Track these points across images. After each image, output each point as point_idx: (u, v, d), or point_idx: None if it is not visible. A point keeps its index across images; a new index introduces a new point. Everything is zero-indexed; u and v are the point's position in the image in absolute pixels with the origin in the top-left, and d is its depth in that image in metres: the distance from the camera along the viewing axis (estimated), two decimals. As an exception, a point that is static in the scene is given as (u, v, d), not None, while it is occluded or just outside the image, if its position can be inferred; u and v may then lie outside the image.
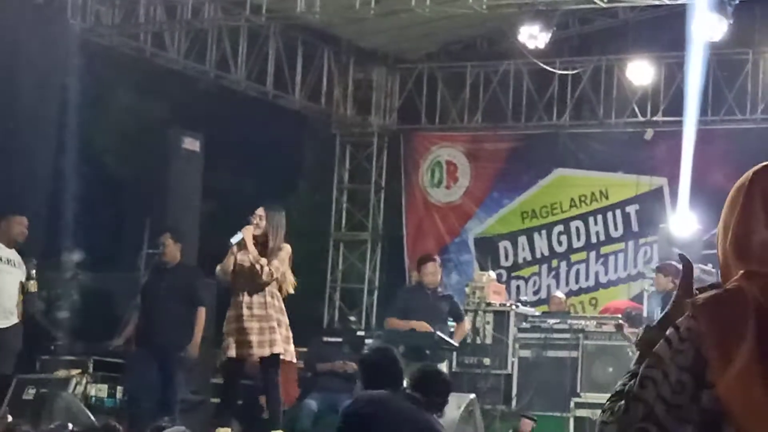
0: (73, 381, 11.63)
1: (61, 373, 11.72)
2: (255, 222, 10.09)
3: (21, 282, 11.18)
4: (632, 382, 2.37)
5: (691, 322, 2.34)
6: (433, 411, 7.49)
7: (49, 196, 13.26)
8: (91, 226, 13.47)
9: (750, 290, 2.35)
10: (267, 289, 10.08)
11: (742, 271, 2.39)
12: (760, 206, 2.41)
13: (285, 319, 10.21)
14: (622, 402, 2.37)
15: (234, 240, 10.04)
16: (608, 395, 2.44)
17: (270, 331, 10.00)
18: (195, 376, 12.17)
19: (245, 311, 10.01)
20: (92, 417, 10.04)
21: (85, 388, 11.73)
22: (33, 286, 11.53)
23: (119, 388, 11.66)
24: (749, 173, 2.44)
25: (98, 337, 12.66)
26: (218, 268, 10.25)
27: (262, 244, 10.05)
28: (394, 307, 12.86)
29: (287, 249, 10.21)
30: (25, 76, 13.44)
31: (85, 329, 12.81)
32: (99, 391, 11.84)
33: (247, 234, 10.01)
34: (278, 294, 10.21)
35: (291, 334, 10.26)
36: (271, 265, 9.97)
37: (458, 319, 12.72)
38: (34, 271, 11.52)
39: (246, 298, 10.01)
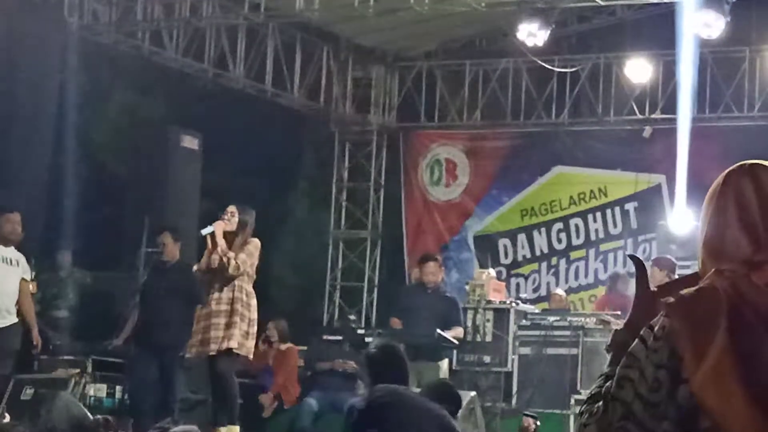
0: (72, 381, 11.60)
1: (60, 373, 11.69)
2: (226, 218, 10.24)
3: (23, 280, 11.13)
4: (608, 383, 2.42)
5: (664, 321, 2.38)
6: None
7: (47, 195, 13.23)
8: (89, 225, 13.44)
9: (722, 287, 2.40)
10: (236, 283, 10.16)
11: (714, 269, 2.44)
12: (733, 205, 2.47)
13: (250, 315, 10.28)
14: (600, 403, 2.41)
15: (205, 231, 10.21)
16: None
17: (231, 326, 10.06)
18: (195, 375, 12.13)
19: (214, 307, 10.11)
20: (91, 417, 9.99)
21: (84, 387, 11.70)
22: (33, 287, 11.51)
23: (118, 388, 11.63)
24: (724, 173, 2.50)
25: (97, 337, 12.63)
26: (195, 267, 10.39)
27: (231, 241, 10.17)
28: (395, 307, 12.89)
29: (256, 243, 10.38)
30: (22, 74, 13.41)
31: (84, 329, 12.79)
32: (98, 390, 11.81)
33: (218, 229, 10.19)
34: (249, 289, 10.28)
35: (254, 331, 10.35)
36: (238, 259, 10.08)
37: (456, 323, 12.74)
38: (32, 272, 11.48)
39: (215, 294, 10.12)
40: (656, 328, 2.39)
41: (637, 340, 2.41)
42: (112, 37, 14.76)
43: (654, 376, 2.36)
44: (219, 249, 10.12)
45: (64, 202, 12.87)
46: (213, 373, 10.29)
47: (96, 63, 14.31)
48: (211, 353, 10.13)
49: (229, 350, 10.11)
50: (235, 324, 10.11)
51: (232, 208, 10.42)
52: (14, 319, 11.08)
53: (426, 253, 14.31)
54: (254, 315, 10.34)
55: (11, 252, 11.17)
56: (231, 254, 10.13)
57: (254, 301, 10.37)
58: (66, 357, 12.09)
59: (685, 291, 2.43)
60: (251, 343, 10.34)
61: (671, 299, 2.43)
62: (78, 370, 11.79)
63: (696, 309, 2.39)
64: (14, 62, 13.19)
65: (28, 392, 10.71)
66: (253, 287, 10.38)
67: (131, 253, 12.93)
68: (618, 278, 14.28)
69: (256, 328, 10.42)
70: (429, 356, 12.32)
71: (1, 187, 12.58)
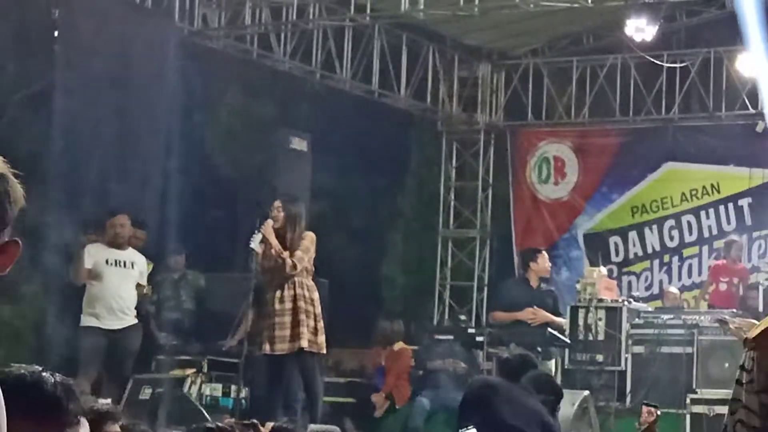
0: (188, 381, 11.75)
1: (177, 373, 11.85)
2: (273, 215, 10.19)
3: (138, 283, 11.33)
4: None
5: (751, 354, 2.45)
6: (546, 409, 7.48)
7: (160, 198, 13.40)
8: (202, 227, 13.60)
9: None
10: (296, 279, 10.12)
11: None
12: None
13: (315, 310, 10.24)
14: None
15: (253, 244, 10.13)
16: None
17: (299, 324, 10.04)
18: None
19: (277, 306, 10.09)
20: (208, 416, 10.11)
21: (200, 387, 11.84)
22: (147, 288, 11.70)
23: (233, 388, 11.74)
24: None
25: (212, 337, 12.77)
26: (253, 268, 10.38)
27: (281, 237, 10.13)
28: (500, 301, 12.83)
29: (311, 236, 10.29)
30: (135, 79, 13.60)
31: (199, 329, 12.94)
32: (214, 390, 11.94)
33: (267, 230, 10.11)
34: (309, 284, 10.25)
35: (321, 325, 10.28)
36: (294, 257, 10.03)
37: (561, 316, 12.69)
38: (146, 273, 11.67)
39: (277, 293, 10.10)
40: (745, 363, 2.45)
41: (735, 383, 2.49)
42: (221, 41, 14.92)
43: (759, 403, 2.39)
44: (273, 250, 10.07)
45: (178, 205, 13.03)
46: (279, 372, 10.26)
47: (206, 67, 14.47)
48: (281, 353, 10.13)
49: (301, 349, 10.10)
50: (301, 322, 10.10)
51: (277, 203, 10.36)
52: (132, 321, 11.27)
53: (531, 247, 14.25)
54: (318, 309, 10.30)
55: (126, 255, 11.33)
56: (285, 254, 10.07)
57: (316, 295, 10.33)
58: (182, 357, 12.24)
59: (762, 327, 2.48)
60: (322, 338, 10.32)
61: (750, 335, 2.49)
62: (194, 370, 11.93)
63: None
64: (126, 68, 13.38)
65: (146, 392, 10.86)
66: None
67: (244, 255, 13.04)
68: (732, 244, 14.07)
69: (323, 322, 10.37)
70: (538, 354, 12.25)
71: (115, 191, 12.77)
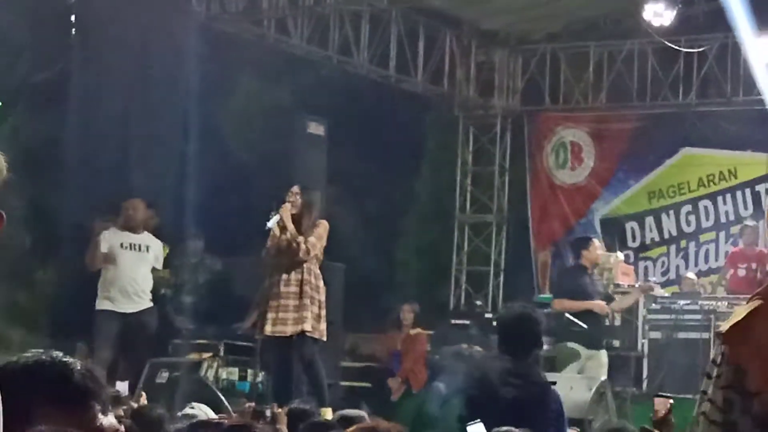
0: (205, 364, 11.79)
1: (193, 357, 11.88)
2: (291, 200, 10.24)
3: (154, 267, 11.36)
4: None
5: (721, 348, 2.46)
6: (527, 357, 7.18)
7: (177, 183, 13.43)
8: (218, 212, 13.62)
9: None
10: (305, 265, 10.18)
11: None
12: None
13: (320, 297, 10.32)
14: None
15: (271, 223, 10.20)
16: None
17: (302, 308, 10.09)
18: (324, 360, 12.21)
19: (282, 288, 10.14)
20: (225, 400, 10.14)
21: (217, 371, 11.88)
22: (164, 272, 11.72)
23: (250, 372, 11.77)
24: None
25: (228, 321, 12.80)
26: (264, 251, 10.41)
27: (296, 222, 10.18)
28: (562, 288, 12.59)
29: (325, 225, 10.36)
30: (152, 64, 13.61)
31: (216, 313, 12.96)
32: (230, 374, 11.99)
33: (284, 212, 10.18)
34: (317, 272, 10.32)
35: (324, 313, 10.35)
36: (308, 243, 10.08)
37: (608, 300, 12.62)
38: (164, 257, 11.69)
39: (284, 275, 10.15)
40: (715, 358, 2.46)
41: (704, 376, 2.51)
42: (238, 26, 14.91)
43: (723, 398, 2.40)
44: (288, 233, 10.14)
45: (194, 190, 13.04)
46: (282, 355, 10.30)
47: (223, 52, 14.48)
48: (282, 335, 10.17)
49: (303, 333, 10.15)
50: (305, 307, 10.16)
51: (295, 189, 10.43)
52: (147, 304, 11.30)
53: (582, 236, 14.03)
54: (323, 297, 10.38)
55: (141, 238, 11.34)
56: (301, 238, 10.14)
57: (322, 283, 10.40)
58: (199, 341, 12.27)
59: (733, 320, 2.46)
60: (323, 326, 10.38)
61: (721, 329, 2.50)
62: (211, 354, 11.97)
63: (752, 331, 2.41)
64: (143, 52, 13.39)
65: (163, 375, 10.90)
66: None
67: (259, 239, 13.06)
68: (746, 230, 14.02)
69: (325, 311, 10.43)
70: (589, 343, 12.16)
71: (132, 175, 12.79)
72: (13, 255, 11.33)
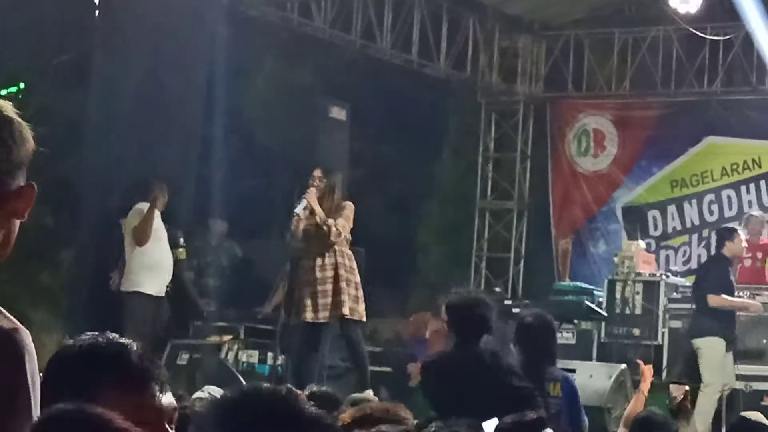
0: (225, 347, 11.80)
1: (213, 339, 11.90)
2: (315, 183, 10.23)
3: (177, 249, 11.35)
4: None
5: None
6: (477, 339, 7.22)
7: (199, 166, 13.44)
8: (240, 195, 13.63)
9: None
10: (336, 248, 10.17)
11: None
12: None
13: (355, 278, 10.33)
14: None
15: (299, 209, 10.18)
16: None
17: (340, 292, 10.09)
18: (344, 343, 12.22)
19: (318, 274, 10.13)
20: (244, 382, 10.15)
21: (237, 354, 11.90)
22: (182, 254, 11.69)
23: (270, 355, 11.78)
24: None
25: (249, 304, 12.82)
26: (288, 237, 10.40)
27: (321, 204, 10.18)
28: (715, 284, 12.00)
29: (351, 206, 10.38)
30: (173, 47, 13.60)
31: (236, 296, 12.98)
32: (250, 357, 12.00)
33: (311, 198, 10.18)
34: (348, 252, 10.32)
35: (361, 293, 10.32)
36: (338, 225, 10.08)
37: None
38: (182, 240, 11.66)
39: (318, 260, 10.14)
40: None
41: None
42: (261, 9, 14.88)
43: None
44: (318, 217, 10.14)
45: (216, 173, 13.05)
46: (317, 340, 10.30)
47: (246, 35, 14.47)
48: (324, 320, 10.18)
49: (343, 317, 10.16)
50: (342, 290, 10.16)
51: (318, 172, 10.41)
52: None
53: (728, 226, 13.63)
54: (358, 278, 10.40)
55: (160, 218, 11.27)
56: (330, 221, 10.14)
57: (355, 264, 10.40)
58: (219, 324, 12.29)
59: None
60: (362, 306, 10.41)
61: None
62: (231, 337, 11.99)
63: None
64: (166, 35, 13.38)
65: (183, 357, 10.93)
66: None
67: (281, 222, 13.07)
68: (750, 219, 13.91)
69: (362, 290, 10.43)
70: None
71: (154, 157, 12.78)
72: (35, 234, 11.34)
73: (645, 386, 8.75)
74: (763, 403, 11.58)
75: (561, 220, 17.14)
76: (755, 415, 7.64)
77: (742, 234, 12.21)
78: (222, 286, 13.00)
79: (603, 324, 13.62)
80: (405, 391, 13.07)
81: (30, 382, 2.12)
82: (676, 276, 14.24)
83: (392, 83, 15.88)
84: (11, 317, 2.17)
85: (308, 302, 10.24)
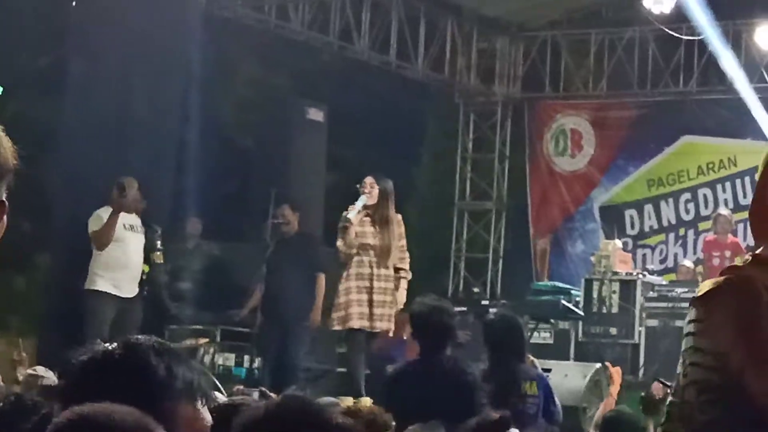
0: (201, 350, 11.79)
1: (189, 342, 11.87)
2: (366, 191, 10.15)
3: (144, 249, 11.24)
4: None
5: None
6: (440, 348, 7.16)
7: (174, 168, 13.44)
8: (216, 197, 13.62)
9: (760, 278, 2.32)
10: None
11: (750, 255, 2.37)
12: None
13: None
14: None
15: (352, 215, 10.09)
16: None
17: (389, 305, 10.09)
18: (320, 345, 12.25)
19: (375, 284, 10.06)
20: (220, 386, 10.15)
21: (213, 357, 11.89)
22: (159, 257, 11.60)
23: (246, 357, 11.79)
24: None
25: (225, 307, 12.81)
26: (340, 242, 10.27)
27: (375, 212, 10.11)
28: None
29: (399, 219, 10.30)
30: (152, 49, 13.60)
31: (212, 299, 12.97)
32: (226, 360, 12.00)
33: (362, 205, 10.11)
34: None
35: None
36: (406, 261, 10.20)
37: None
38: (159, 243, 11.56)
39: (375, 270, 10.06)
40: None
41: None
42: (237, 11, 14.89)
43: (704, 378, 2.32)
44: (392, 242, 10.08)
45: (193, 175, 13.04)
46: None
47: (223, 37, 14.47)
48: (381, 330, 10.17)
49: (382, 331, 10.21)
50: (391, 304, 10.18)
51: (370, 180, 10.27)
52: (137, 289, 11.16)
53: None
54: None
55: (136, 220, 11.17)
56: (403, 271, 10.17)
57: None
58: (195, 327, 12.27)
59: (713, 281, 2.37)
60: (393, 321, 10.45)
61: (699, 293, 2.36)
62: (207, 340, 11.99)
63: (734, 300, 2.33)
64: (144, 37, 13.38)
65: (158, 361, 10.88)
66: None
67: (258, 225, 13.08)
68: (718, 218, 13.97)
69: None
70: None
71: (129, 159, 12.78)
72: (11, 240, 11.34)
73: (614, 389, 8.79)
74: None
75: (539, 220, 17.21)
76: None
77: (711, 233, 12.32)
78: (198, 289, 12.99)
79: (580, 323, 13.68)
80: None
81: None
82: (652, 275, 14.30)
83: (370, 85, 15.90)
84: None
85: (356, 310, 10.11)
